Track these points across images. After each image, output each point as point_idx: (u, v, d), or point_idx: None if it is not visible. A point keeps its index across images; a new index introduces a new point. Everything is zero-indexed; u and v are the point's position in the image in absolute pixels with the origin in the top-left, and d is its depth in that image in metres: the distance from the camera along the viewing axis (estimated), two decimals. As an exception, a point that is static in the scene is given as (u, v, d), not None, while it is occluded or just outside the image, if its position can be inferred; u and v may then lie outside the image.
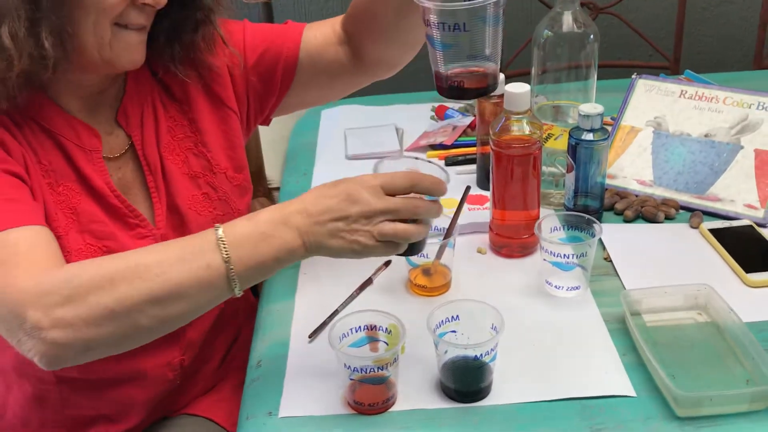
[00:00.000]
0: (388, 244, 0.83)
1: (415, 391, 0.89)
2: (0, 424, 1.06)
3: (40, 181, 0.92)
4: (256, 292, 1.31)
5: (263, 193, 1.67)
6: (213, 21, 1.00)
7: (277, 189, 1.77)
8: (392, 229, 0.82)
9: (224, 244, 0.81)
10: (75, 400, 1.02)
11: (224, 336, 1.13)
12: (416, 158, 0.89)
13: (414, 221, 0.84)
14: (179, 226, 1.02)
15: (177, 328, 0.86)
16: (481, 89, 0.87)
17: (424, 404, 0.88)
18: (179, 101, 1.04)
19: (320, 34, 1.09)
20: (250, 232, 0.82)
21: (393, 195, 0.83)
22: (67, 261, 0.90)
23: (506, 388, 0.89)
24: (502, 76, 1.21)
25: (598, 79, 1.25)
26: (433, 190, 0.84)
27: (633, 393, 0.88)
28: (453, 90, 0.87)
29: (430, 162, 0.90)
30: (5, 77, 0.85)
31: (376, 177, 0.84)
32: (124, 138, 1.00)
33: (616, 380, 0.89)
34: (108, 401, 1.03)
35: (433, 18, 0.84)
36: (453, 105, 1.57)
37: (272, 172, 1.82)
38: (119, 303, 0.78)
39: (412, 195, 0.84)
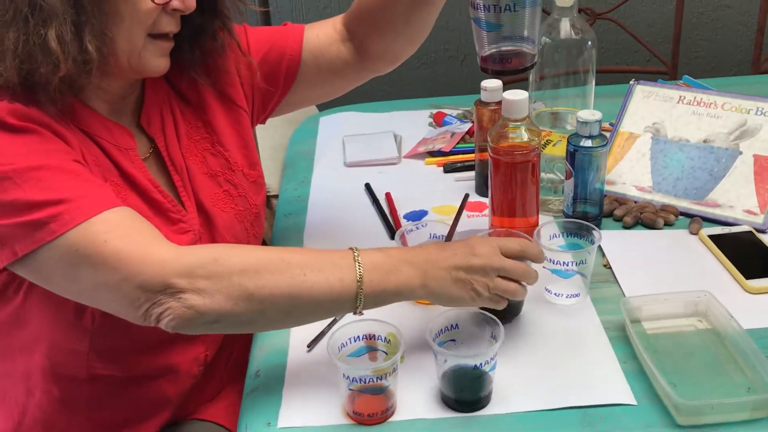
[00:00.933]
0: (494, 298, 0.90)
1: (414, 401, 0.89)
2: (18, 429, 1.06)
3: (95, 173, 0.93)
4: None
5: (261, 200, 1.67)
6: (229, 28, 1.04)
7: (276, 197, 1.76)
8: (506, 285, 0.90)
9: (360, 266, 0.88)
10: (105, 401, 1.03)
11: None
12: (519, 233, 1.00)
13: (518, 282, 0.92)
14: (207, 223, 1.04)
15: (290, 327, 0.96)
16: (525, 67, 0.98)
17: (423, 414, 0.87)
18: (193, 105, 1.07)
19: (322, 33, 1.12)
20: (382, 262, 0.89)
21: (507, 257, 0.91)
22: None
23: (506, 398, 0.89)
24: (499, 83, 1.21)
25: (596, 84, 1.25)
26: (538, 257, 0.95)
27: (633, 401, 0.87)
28: (498, 68, 0.98)
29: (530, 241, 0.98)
30: (48, 81, 0.86)
31: (496, 240, 0.93)
32: (146, 142, 1.03)
33: (617, 388, 0.89)
34: (138, 400, 1.04)
35: (479, 1, 0.93)
36: (451, 111, 1.57)
37: (270, 180, 1.81)
38: (259, 289, 0.85)
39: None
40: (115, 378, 1.02)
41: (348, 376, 0.84)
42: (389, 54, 1.12)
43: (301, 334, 1.00)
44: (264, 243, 1.39)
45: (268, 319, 0.88)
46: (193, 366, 1.06)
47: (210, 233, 1.04)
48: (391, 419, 0.87)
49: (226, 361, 1.15)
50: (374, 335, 0.89)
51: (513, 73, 0.99)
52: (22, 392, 1.04)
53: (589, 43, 1.19)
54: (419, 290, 0.89)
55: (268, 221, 1.57)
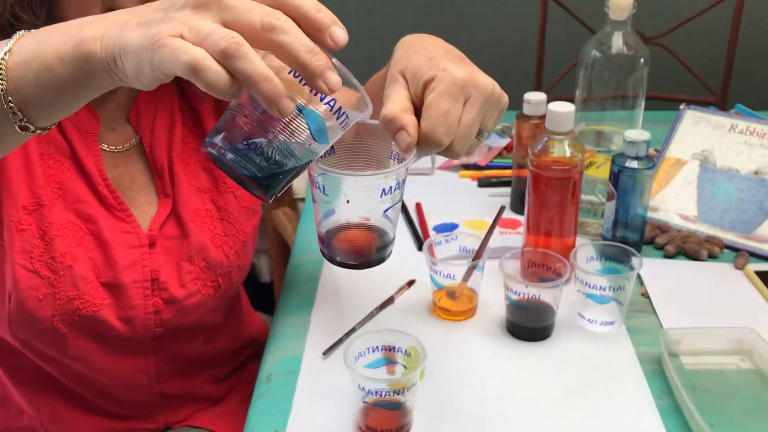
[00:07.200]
0: (202, 61, 0.53)
1: (432, 421, 0.84)
2: (5, 411, 1.03)
3: (33, 147, 0.89)
4: (261, 305, 1.26)
5: (288, 203, 1.63)
6: None
7: (302, 200, 1.73)
8: (209, 22, 0.54)
9: (10, 41, 0.62)
10: (55, 387, 0.98)
11: (212, 346, 1.08)
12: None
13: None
14: (177, 236, 0.97)
15: None
16: (361, 261, 0.71)
17: (440, 435, 0.82)
18: (195, 111, 1.00)
19: None
20: (53, 27, 0.62)
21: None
22: (51, 234, 0.88)
23: (531, 425, 0.83)
24: (543, 96, 1.16)
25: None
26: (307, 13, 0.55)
27: (667, 440, 0.81)
28: (330, 256, 0.72)
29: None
30: None
31: None
32: (130, 136, 0.97)
33: (650, 425, 0.83)
34: (84, 394, 1.00)
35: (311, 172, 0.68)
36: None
37: (298, 182, 1.78)
38: None
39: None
40: (57, 363, 0.96)
41: (363, 388, 0.79)
42: None
43: (317, 341, 0.95)
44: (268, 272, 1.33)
45: None
46: (140, 377, 1.00)
47: (179, 248, 0.96)
48: (405, 438, 0.82)
49: (212, 375, 1.09)
50: (393, 347, 0.84)
51: (348, 267, 0.73)
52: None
53: (642, 60, 1.14)
54: (91, 45, 0.58)
55: (292, 224, 1.53)
